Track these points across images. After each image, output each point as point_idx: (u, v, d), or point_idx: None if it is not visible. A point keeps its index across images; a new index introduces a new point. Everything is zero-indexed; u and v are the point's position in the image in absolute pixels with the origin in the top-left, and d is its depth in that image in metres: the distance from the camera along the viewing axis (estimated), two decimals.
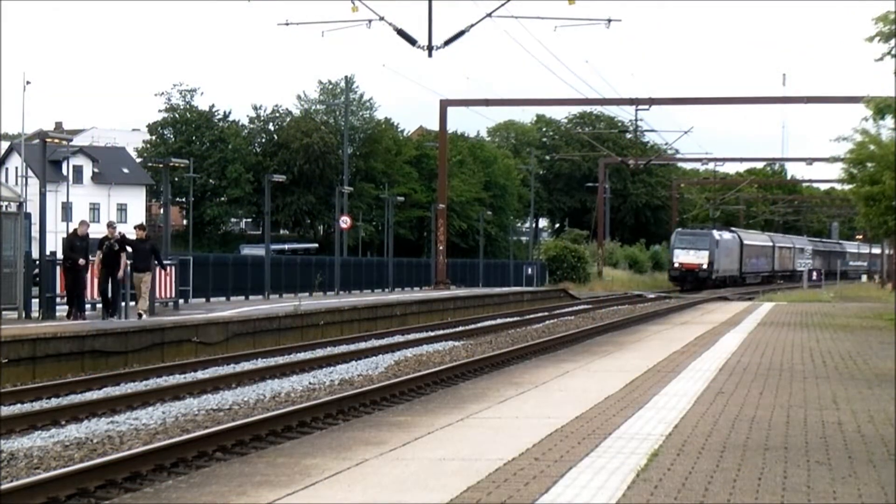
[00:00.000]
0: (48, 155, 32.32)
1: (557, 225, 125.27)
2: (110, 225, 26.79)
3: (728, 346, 21.94)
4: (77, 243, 24.69)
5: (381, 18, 28.55)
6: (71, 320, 23.67)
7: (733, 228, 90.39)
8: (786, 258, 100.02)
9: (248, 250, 78.10)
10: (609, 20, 32.10)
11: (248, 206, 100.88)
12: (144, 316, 24.93)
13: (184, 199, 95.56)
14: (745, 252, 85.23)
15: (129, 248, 25.43)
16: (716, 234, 78.48)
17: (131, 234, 27.14)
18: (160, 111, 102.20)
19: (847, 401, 13.39)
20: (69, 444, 12.64)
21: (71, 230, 25.57)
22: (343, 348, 25.42)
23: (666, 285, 79.12)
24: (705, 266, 75.39)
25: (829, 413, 12.29)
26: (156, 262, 26.21)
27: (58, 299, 24.85)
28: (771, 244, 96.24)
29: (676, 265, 76.58)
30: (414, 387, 18.08)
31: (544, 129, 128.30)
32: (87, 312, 24.88)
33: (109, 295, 25.09)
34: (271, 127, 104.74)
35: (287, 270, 42.98)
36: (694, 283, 74.36)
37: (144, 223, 31.02)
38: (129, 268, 25.22)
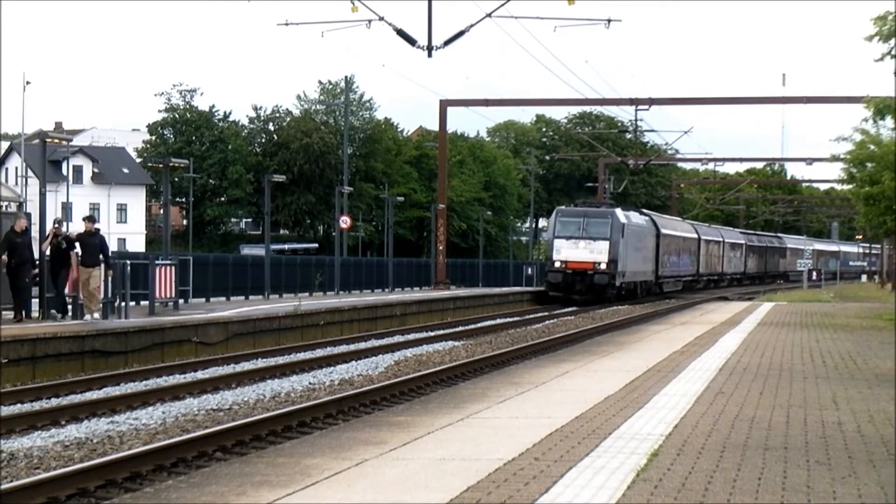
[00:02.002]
0: (48, 155, 32.30)
1: None
2: (56, 222, 25.13)
3: (728, 346, 21.93)
4: (17, 240, 23.01)
5: (381, 18, 28.54)
6: (15, 322, 22.20)
7: (645, 211, 63.68)
8: (713, 257, 75.69)
9: (248, 250, 78.12)
10: (609, 20, 32.13)
11: (248, 206, 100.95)
12: (98, 315, 23.79)
13: (184, 200, 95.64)
14: (662, 246, 58.60)
15: (77, 245, 24.18)
16: (621, 214, 50.50)
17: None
18: (160, 111, 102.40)
19: (847, 401, 13.39)
20: (69, 444, 12.64)
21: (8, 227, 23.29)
22: (343, 348, 25.42)
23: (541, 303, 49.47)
24: (604, 265, 47.89)
25: (829, 413, 12.29)
26: (102, 259, 24.47)
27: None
28: (696, 236, 69.78)
29: (558, 264, 48.16)
30: (414, 387, 18.08)
31: (544, 129, 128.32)
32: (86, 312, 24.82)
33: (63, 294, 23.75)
34: (271, 127, 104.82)
35: (287, 270, 42.99)
36: (587, 291, 47.89)
37: (93, 216, 28.87)
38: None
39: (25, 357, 19.21)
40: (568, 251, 48.05)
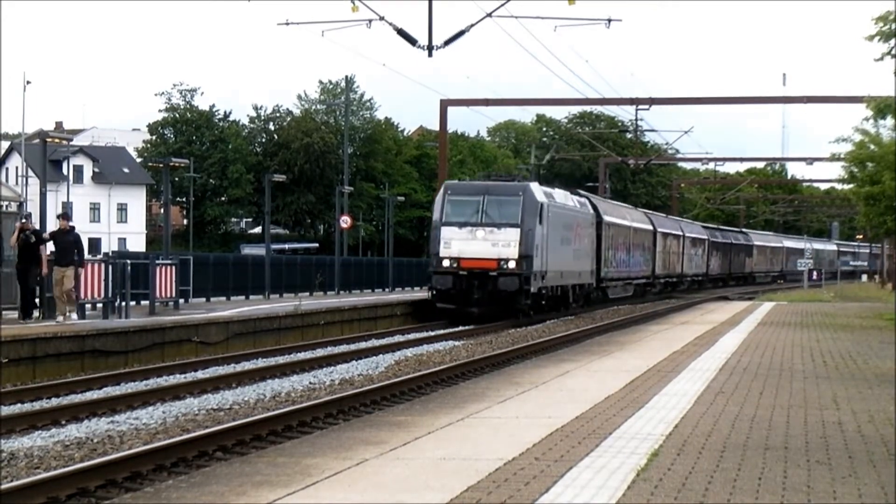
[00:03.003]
0: (48, 155, 32.29)
1: None
2: (22, 217, 24.42)
3: (728, 346, 21.93)
4: (31, 241, 22.61)
5: (382, 18, 28.52)
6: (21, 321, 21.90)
7: (582, 192, 48.30)
8: (671, 255, 62.64)
9: (248, 250, 78.12)
10: (609, 20, 32.07)
11: (248, 205, 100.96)
12: (75, 316, 22.92)
13: (184, 199, 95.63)
14: (605, 238, 45.93)
15: (46, 241, 23.27)
16: (538, 191, 36.36)
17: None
18: (160, 111, 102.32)
19: (847, 401, 13.39)
20: (69, 443, 12.64)
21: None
22: (343, 348, 25.43)
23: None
24: (512, 263, 34.09)
25: (829, 413, 12.29)
26: (77, 258, 23.29)
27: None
28: (650, 228, 57.26)
29: (447, 262, 34.40)
30: (414, 387, 18.08)
31: (544, 129, 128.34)
32: (86, 312, 24.82)
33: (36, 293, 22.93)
34: (272, 127, 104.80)
35: (287, 270, 42.99)
36: (489, 301, 34.19)
37: (68, 213, 27.13)
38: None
39: (25, 357, 19.21)
40: (461, 244, 33.70)
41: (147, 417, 14.68)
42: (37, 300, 23.51)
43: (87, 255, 24.00)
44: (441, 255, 34.19)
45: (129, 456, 11.36)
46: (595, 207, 46.01)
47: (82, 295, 24.34)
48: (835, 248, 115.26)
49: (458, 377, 19.57)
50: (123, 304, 25.42)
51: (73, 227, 24.22)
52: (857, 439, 10.47)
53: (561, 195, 40.34)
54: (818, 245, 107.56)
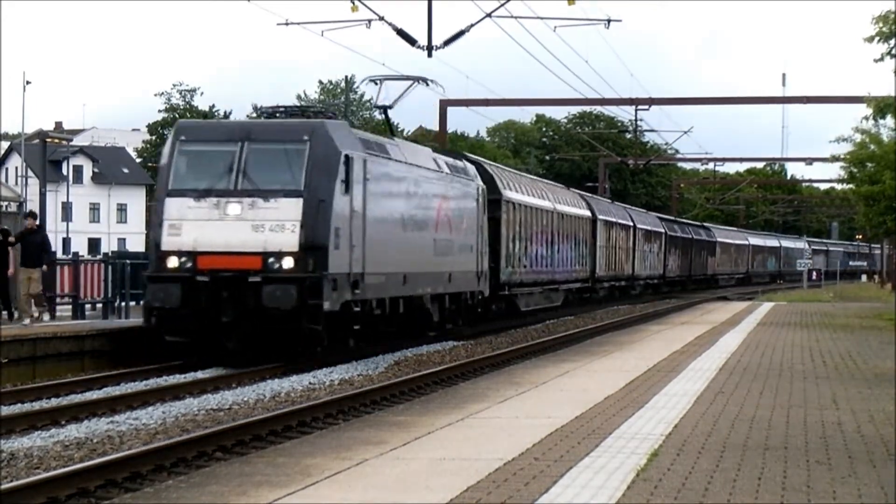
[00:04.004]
0: (48, 155, 32.30)
1: None
2: (25, 215, 23.74)
3: (728, 346, 21.94)
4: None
5: (381, 18, 28.48)
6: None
7: (473, 157, 34.66)
8: (618, 251, 50.08)
9: None
10: (609, 20, 32.02)
11: None
12: (47, 318, 22.17)
13: None
14: (506, 224, 32.87)
15: (13, 243, 22.24)
16: (341, 134, 20.91)
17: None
18: (160, 111, 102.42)
19: (847, 401, 13.39)
20: (69, 444, 12.63)
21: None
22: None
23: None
24: (288, 260, 19.46)
25: (829, 413, 12.29)
26: (44, 258, 22.28)
27: (57, 299, 24.72)
28: (588, 214, 44.52)
29: (174, 262, 19.69)
30: (414, 387, 18.07)
31: (544, 129, 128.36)
32: (86, 312, 24.82)
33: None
34: None
35: None
36: (249, 327, 19.59)
37: (35, 212, 25.64)
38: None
39: (25, 357, 19.19)
40: (198, 228, 19.95)
41: (147, 418, 14.66)
42: (10, 302, 22.76)
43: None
44: (164, 247, 19.80)
45: (129, 456, 11.35)
46: (489, 178, 31.19)
47: (82, 295, 24.43)
48: (805, 246, 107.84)
49: (457, 377, 19.56)
50: (123, 304, 25.41)
51: (40, 227, 23.54)
52: (857, 439, 10.47)
53: (407, 149, 25.30)
54: (788, 243, 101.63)
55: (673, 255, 62.53)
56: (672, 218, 70.45)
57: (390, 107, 26.93)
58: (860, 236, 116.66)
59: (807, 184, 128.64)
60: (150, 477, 10.99)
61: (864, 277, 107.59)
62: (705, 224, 80.00)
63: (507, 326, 31.93)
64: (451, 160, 28.31)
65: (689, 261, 66.72)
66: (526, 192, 35.73)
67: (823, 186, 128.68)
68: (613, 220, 48.82)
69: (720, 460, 9.22)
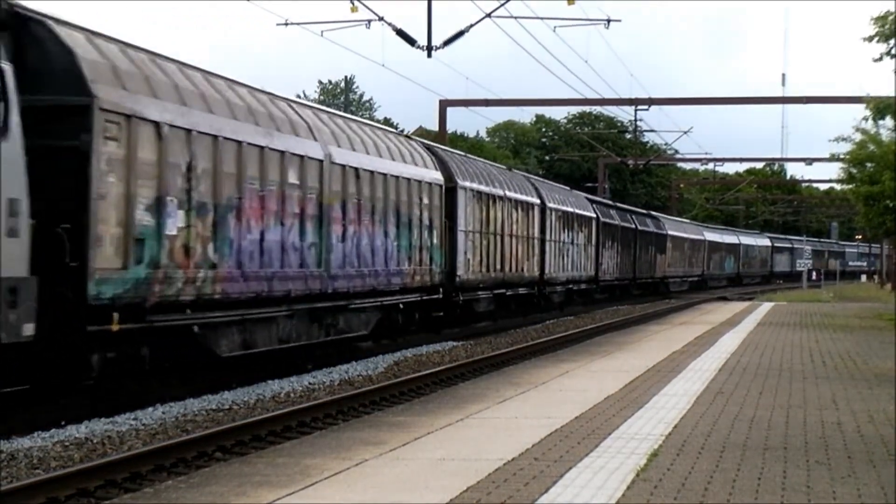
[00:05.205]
0: None
1: None
2: None
3: (728, 346, 21.95)
4: None
5: (381, 18, 28.50)
6: None
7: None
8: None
9: None
10: (609, 20, 32.04)
11: None
12: None
13: None
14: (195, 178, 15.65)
15: None
16: None
17: None
18: None
19: (847, 401, 13.39)
20: (69, 444, 12.63)
21: None
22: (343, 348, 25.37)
23: None
24: None
25: (828, 413, 12.29)
26: None
27: None
28: (437, 179, 26.35)
29: None
30: (414, 387, 18.08)
31: (544, 129, 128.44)
32: None
33: None
34: None
35: None
36: None
37: None
38: None
39: None
40: None
41: (146, 418, 14.66)
42: None
43: None
44: None
45: (129, 456, 11.35)
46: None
47: None
48: (768, 243, 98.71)
49: (457, 377, 19.56)
50: None
51: None
52: (857, 439, 10.47)
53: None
54: (748, 240, 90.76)
55: (609, 251, 47.36)
56: (608, 201, 53.34)
57: None
58: (860, 236, 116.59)
59: (807, 184, 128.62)
60: (150, 477, 10.99)
61: (863, 277, 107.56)
62: (653, 213, 64.23)
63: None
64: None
65: (632, 258, 51.92)
66: (341, 138, 21.28)
67: (823, 186, 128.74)
68: (487, 190, 30.00)
69: (720, 460, 9.23)
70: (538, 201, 35.80)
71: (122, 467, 10.97)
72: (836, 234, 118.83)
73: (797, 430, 11.03)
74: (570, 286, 40.52)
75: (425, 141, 29.96)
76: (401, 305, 24.33)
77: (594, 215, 44.49)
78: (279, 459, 9.67)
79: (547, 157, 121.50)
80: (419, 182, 25.07)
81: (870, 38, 22.94)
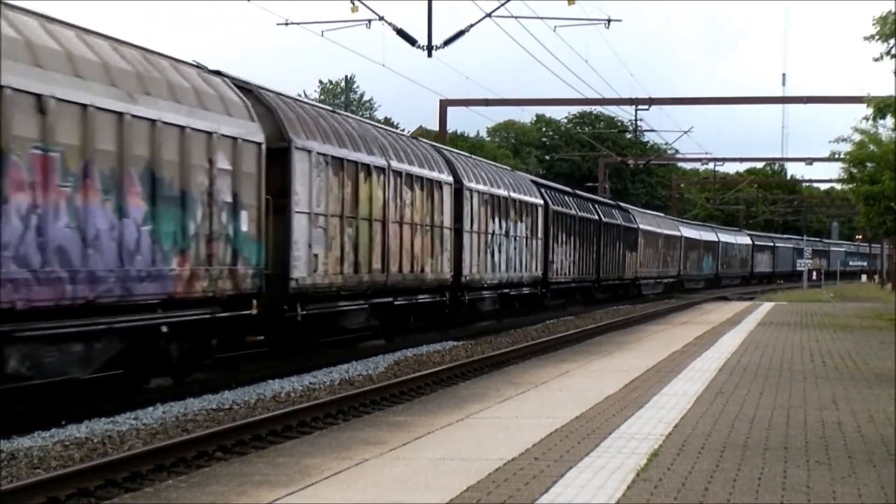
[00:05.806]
0: None
1: None
2: None
3: (728, 346, 21.94)
4: None
5: (381, 18, 28.51)
6: None
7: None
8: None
9: None
10: (609, 20, 32.04)
11: None
12: None
13: None
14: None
15: None
16: None
17: None
18: None
19: (847, 401, 13.39)
20: (69, 444, 12.63)
21: None
22: (343, 348, 25.38)
23: None
24: None
25: (828, 413, 12.29)
26: None
27: None
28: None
29: None
30: (414, 387, 18.08)
31: (544, 129, 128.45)
32: None
33: None
34: None
35: None
36: None
37: None
38: None
39: None
40: None
41: (147, 417, 14.67)
42: None
43: None
44: None
45: (129, 456, 11.35)
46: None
47: None
48: (748, 241, 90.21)
49: (457, 377, 19.56)
50: None
51: None
52: (857, 439, 10.47)
53: None
54: (727, 237, 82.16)
55: (564, 246, 39.27)
56: (563, 186, 44.08)
57: None
58: (860, 236, 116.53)
59: (807, 184, 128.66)
60: (150, 477, 10.99)
61: (863, 277, 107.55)
62: (622, 204, 55.35)
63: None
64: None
65: (595, 255, 44.13)
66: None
67: (823, 186, 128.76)
68: (353, 156, 21.53)
69: (720, 460, 9.23)
70: (450, 179, 27.31)
71: (123, 467, 10.97)
72: (837, 234, 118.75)
73: (797, 430, 11.02)
74: (506, 290, 32.23)
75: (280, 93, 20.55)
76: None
77: (541, 201, 35.97)
78: (279, 459, 9.67)
79: (547, 157, 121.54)
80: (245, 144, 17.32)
81: (870, 38, 22.95)
